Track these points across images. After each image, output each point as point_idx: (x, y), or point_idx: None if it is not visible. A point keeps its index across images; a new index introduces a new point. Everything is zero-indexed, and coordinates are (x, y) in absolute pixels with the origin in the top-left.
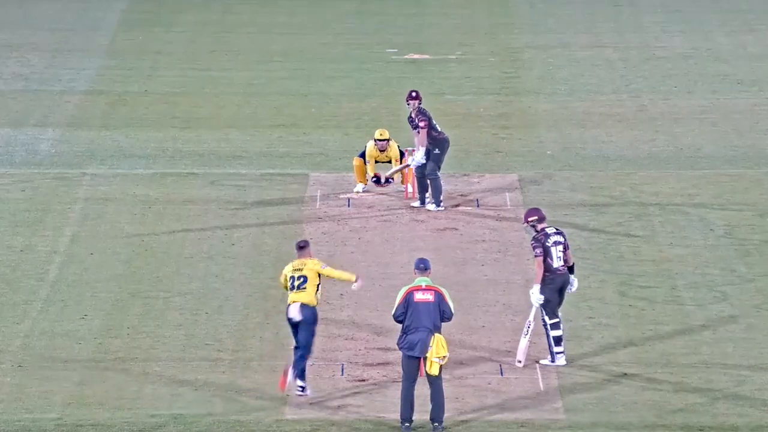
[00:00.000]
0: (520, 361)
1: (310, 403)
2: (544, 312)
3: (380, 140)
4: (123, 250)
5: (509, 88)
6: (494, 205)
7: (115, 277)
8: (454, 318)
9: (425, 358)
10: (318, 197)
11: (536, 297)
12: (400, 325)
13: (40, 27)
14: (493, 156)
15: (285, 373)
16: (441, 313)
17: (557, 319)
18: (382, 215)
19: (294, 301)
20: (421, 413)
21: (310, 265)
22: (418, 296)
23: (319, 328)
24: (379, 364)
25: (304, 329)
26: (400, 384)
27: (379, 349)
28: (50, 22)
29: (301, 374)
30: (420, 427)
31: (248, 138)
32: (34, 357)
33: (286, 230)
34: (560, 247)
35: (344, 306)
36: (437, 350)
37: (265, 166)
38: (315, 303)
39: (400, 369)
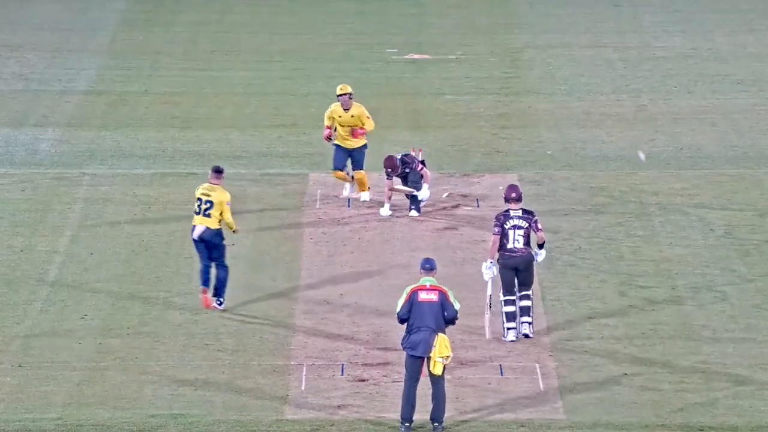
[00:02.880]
0: (486, 336)
1: (310, 403)
2: (500, 289)
3: (342, 94)
4: (123, 250)
5: (509, 88)
6: (494, 205)
7: (115, 277)
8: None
9: (428, 358)
10: (318, 197)
11: (485, 271)
12: (404, 325)
13: (40, 27)
14: (493, 156)
15: (204, 292)
16: (444, 312)
17: (512, 297)
18: (382, 216)
19: (200, 224)
20: (422, 413)
21: (219, 195)
22: (422, 296)
23: (319, 328)
24: (379, 364)
25: (215, 248)
26: (401, 384)
27: (379, 349)
28: (50, 22)
29: (219, 291)
30: (420, 427)
31: (248, 138)
32: (34, 357)
33: (285, 230)
34: (520, 231)
35: (344, 306)
36: (440, 350)
37: (265, 166)
38: (218, 227)
39: (400, 369)
